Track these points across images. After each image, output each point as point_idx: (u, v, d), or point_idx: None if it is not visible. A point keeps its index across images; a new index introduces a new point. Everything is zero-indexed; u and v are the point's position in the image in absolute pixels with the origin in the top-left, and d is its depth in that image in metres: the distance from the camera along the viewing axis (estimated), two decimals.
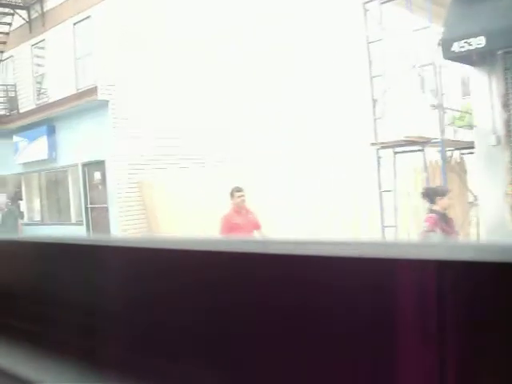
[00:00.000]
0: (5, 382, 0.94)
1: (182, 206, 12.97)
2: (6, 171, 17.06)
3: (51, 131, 14.99)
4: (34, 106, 16.25)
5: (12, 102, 17.22)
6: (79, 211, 15.20)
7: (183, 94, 14.62)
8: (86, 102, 13.59)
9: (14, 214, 14.03)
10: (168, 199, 13.19)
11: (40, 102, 16.13)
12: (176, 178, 13.23)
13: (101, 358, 0.88)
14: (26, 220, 16.80)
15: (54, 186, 16.26)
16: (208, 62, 15.02)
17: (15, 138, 16.17)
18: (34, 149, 15.44)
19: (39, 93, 16.42)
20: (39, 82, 16.44)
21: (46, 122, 15.08)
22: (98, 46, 14.02)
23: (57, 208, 16.09)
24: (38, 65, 16.53)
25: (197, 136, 14.85)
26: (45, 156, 14.99)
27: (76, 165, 14.50)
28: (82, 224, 14.65)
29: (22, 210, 16.92)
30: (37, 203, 16.81)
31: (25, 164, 16.15)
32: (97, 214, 14.26)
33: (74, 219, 15.14)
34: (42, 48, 16.24)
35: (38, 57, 16.48)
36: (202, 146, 14.93)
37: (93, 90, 13.32)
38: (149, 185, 13.57)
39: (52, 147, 14.95)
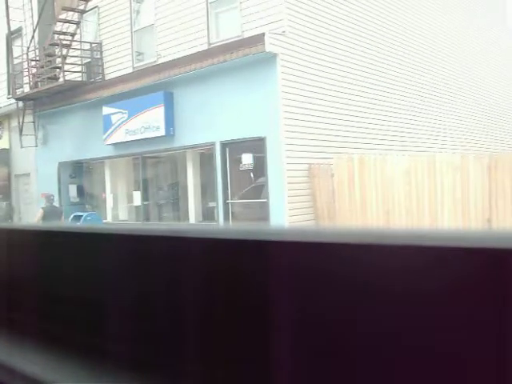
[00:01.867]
0: (9, 379, 0.91)
1: (375, 203, 9.44)
2: (85, 155, 13.07)
3: (169, 100, 11.17)
4: (131, 70, 12.40)
5: (95, 64, 13.29)
6: (203, 208, 11.42)
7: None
8: (238, 58, 9.88)
9: (56, 210, 10.84)
10: (355, 192, 9.63)
11: (142, 63, 12.28)
12: (368, 165, 9.67)
13: (105, 355, 0.86)
14: (109, 219, 12.85)
15: (162, 174, 12.42)
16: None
17: (106, 110, 12.24)
18: (137, 124, 11.57)
19: (139, 53, 12.58)
20: (136, 39, 12.59)
21: (155, 88, 11.27)
22: None
23: (165, 204, 12.21)
24: (135, 19, 12.71)
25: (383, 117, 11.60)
26: (160, 132, 11.13)
27: (208, 144, 10.71)
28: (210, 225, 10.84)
29: (111, 206, 12.95)
30: (128, 197, 12.88)
31: (117, 145, 12.22)
32: (242, 211, 10.50)
33: (194, 219, 11.30)
34: None
35: (137, 11, 12.67)
36: (400, 129, 11.65)
37: (257, 39, 9.62)
38: (326, 171, 9.95)
39: (169, 121, 11.12)
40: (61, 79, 12.78)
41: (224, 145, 10.46)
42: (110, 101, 12.23)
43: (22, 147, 13.81)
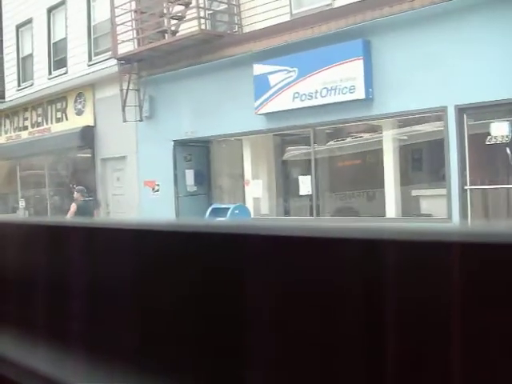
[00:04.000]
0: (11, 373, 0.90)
1: None
2: (214, 130, 10.10)
3: (367, 51, 8.34)
4: (288, 18, 9.50)
5: (229, 13, 10.37)
6: (403, 198, 8.61)
7: None
8: None
9: (89, 205, 9.64)
10: None
11: (307, 8, 9.38)
12: None
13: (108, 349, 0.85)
14: (255, 215, 9.90)
15: (341, 153, 9.56)
16: None
17: (259, 69, 9.33)
18: (315, 85, 8.71)
19: None
20: None
21: (333, 38, 8.45)
22: None
23: (347, 192, 9.34)
24: None
25: None
26: (357, 95, 8.28)
27: (434, 110, 7.91)
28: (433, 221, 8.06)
29: (258, 196, 9.99)
30: (278, 186, 9.98)
31: (273, 115, 9.32)
32: (492, 201, 7.73)
33: (394, 211, 8.48)
34: None
35: None
36: None
37: None
38: None
39: (368, 80, 8.28)
40: (193, 29, 9.78)
41: (461, 110, 7.66)
42: (256, 58, 9.38)
43: (125, 121, 10.77)
